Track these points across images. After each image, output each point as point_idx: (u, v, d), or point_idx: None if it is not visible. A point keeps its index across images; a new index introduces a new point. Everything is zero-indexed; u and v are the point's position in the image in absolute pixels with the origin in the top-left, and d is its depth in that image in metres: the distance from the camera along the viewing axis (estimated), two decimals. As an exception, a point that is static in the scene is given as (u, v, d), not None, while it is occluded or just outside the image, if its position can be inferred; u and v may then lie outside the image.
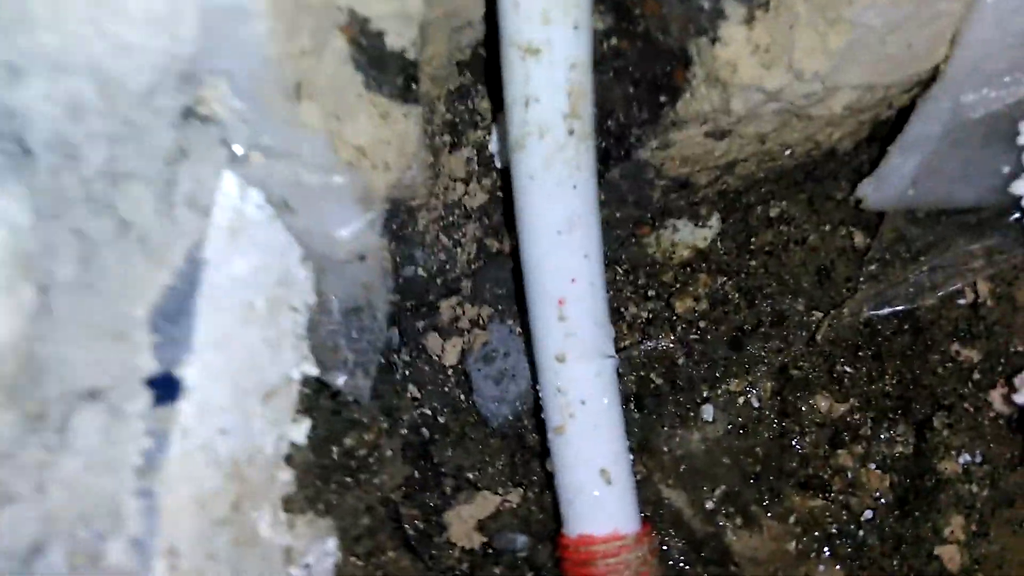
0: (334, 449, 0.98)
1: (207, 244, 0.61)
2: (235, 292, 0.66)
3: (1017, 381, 0.93)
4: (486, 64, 1.08)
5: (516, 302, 1.10)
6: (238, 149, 0.66)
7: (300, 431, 0.77)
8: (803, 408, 1.20)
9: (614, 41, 0.99)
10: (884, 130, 1.07)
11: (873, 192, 0.97)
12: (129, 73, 0.54)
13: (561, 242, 0.90)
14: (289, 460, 0.78)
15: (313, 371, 0.80)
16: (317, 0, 0.69)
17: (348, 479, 0.96)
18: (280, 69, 0.68)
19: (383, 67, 0.84)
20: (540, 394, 0.98)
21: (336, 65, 0.78)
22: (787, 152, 1.08)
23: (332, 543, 0.84)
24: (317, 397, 0.94)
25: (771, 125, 1.01)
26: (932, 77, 0.89)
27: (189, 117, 0.64)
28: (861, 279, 1.09)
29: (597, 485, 0.95)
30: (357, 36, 0.79)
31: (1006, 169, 0.93)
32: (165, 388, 0.57)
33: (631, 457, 0.99)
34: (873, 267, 1.07)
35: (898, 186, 0.95)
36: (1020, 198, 0.87)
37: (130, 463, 0.54)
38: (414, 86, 0.88)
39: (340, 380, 0.86)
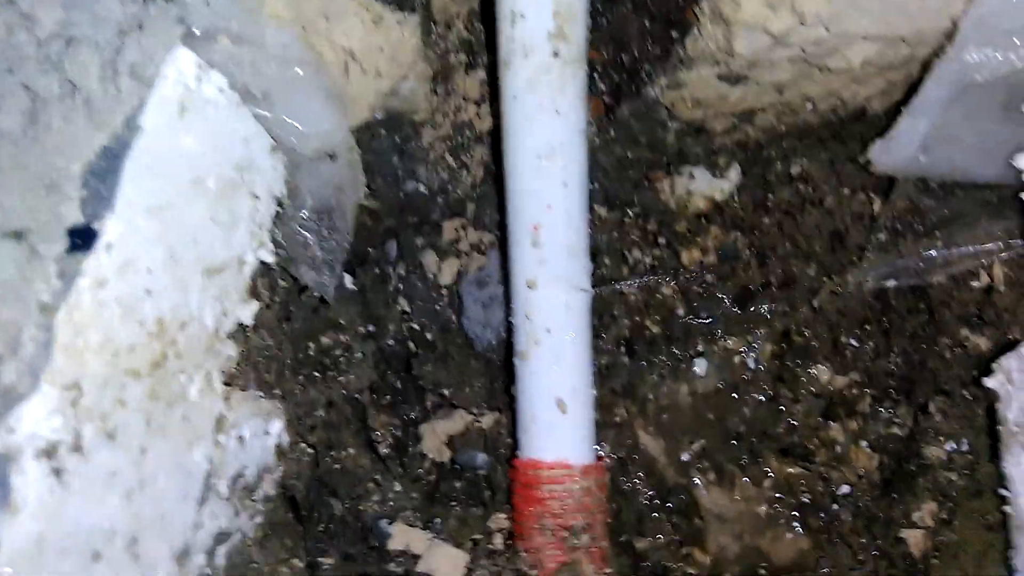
0: (311, 345, 1.03)
1: (147, 114, 0.65)
2: (180, 165, 0.69)
3: (995, 365, 0.87)
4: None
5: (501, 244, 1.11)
6: (197, 30, 0.69)
7: (248, 312, 0.81)
8: (801, 376, 1.16)
9: (633, -29, 0.97)
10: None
11: (882, 154, 0.92)
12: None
13: (540, 167, 0.90)
14: (241, 339, 0.82)
15: (269, 258, 0.83)
16: None
17: (316, 374, 1.00)
18: (247, -44, 0.70)
19: (375, -30, 0.85)
20: (511, 319, 0.99)
21: (323, -38, 0.80)
22: (809, 106, 1.04)
23: (278, 425, 0.88)
24: (298, 292, 0.98)
25: (788, 74, 0.97)
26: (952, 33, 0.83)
27: (151, -6, 0.67)
28: (869, 249, 1.04)
29: (551, 413, 0.96)
30: (346, -66, 0.80)
31: (1027, 143, 0.86)
32: (83, 238, 0.61)
33: (593, 392, 0.99)
34: (883, 236, 1.02)
35: (908, 150, 0.90)
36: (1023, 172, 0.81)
37: (37, 299, 0.58)
38: (410, -7, 0.89)
39: (308, 275, 0.90)
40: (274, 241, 0.87)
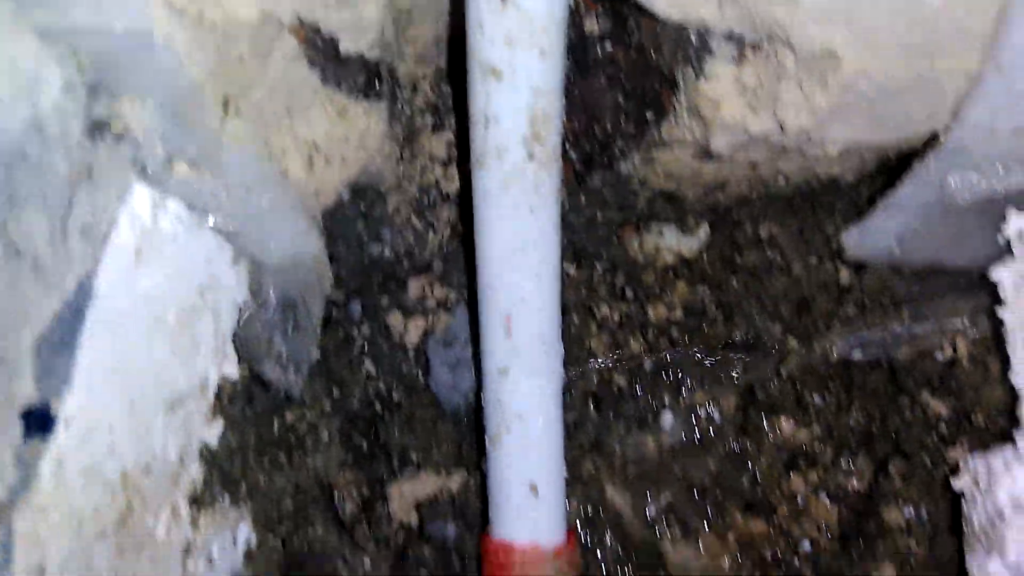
0: (275, 422, 1.00)
1: (102, 272, 0.60)
2: (139, 312, 0.65)
3: (963, 463, 0.89)
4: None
5: (469, 304, 1.09)
6: (153, 166, 0.64)
7: (214, 432, 0.78)
8: (765, 428, 1.18)
9: (608, 47, 0.93)
10: (892, 164, 1.00)
11: (855, 245, 0.91)
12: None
13: (514, 263, 0.88)
14: (207, 456, 0.79)
15: (233, 371, 0.80)
16: (252, 17, 0.65)
17: (282, 456, 0.97)
18: (205, 87, 0.65)
19: (341, 64, 0.80)
20: (483, 399, 0.97)
21: (286, 63, 0.75)
22: (782, 180, 1.02)
23: (245, 530, 0.86)
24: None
25: (763, 155, 0.95)
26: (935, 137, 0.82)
27: (100, 133, 0.62)
28: (836, 320, 1.04)
29: (524, 497, 0.96)
30: (310, 37, 0.75)
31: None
32: (39, 422, 0.57)
33: (564, 473, 0.99)
34: (851, 309, 1.02)
35: (882, 243, 0.89)
36: (999, 284, 0.81)
37: (-8, 497, 0.55)
38: (378, 84, 0.84)
39: (273, 373, 0.87)
40: (236, 340, 0.84)
